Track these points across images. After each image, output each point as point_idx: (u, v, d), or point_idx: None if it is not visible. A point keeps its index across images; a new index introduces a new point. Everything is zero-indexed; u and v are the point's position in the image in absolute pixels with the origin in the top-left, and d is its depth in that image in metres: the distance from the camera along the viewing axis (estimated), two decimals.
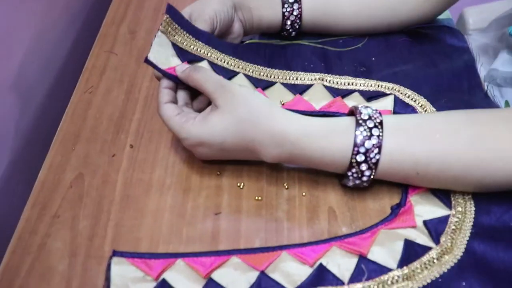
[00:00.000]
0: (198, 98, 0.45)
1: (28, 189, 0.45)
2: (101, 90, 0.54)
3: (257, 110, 0.39)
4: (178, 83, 0.44)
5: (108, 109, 0.52)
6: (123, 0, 0.67)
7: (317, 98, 0.47)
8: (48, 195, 0.44)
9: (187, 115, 0.41)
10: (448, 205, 0.38)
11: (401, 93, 0.47)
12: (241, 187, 0.43)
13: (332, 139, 0.38)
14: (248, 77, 0.48)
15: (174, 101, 0.44)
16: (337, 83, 0.48)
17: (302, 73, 0.49)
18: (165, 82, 0.44)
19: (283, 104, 0.47)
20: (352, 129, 0.38)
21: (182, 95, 0.45)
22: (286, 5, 0.50)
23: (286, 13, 0.50)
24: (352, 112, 0.40)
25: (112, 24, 0.63)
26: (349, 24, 0.52)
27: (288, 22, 0.51)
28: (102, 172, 0.46)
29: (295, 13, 0.50)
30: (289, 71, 0.49)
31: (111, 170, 0.46)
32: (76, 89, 0.54)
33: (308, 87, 0.48)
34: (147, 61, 0.43)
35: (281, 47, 0.53)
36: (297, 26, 0.51)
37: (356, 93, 0.47)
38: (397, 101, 0.46)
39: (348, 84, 0.48)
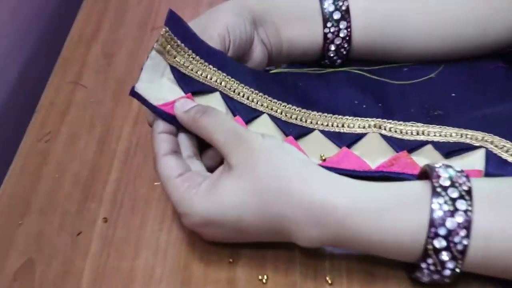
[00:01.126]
0: (207, 152, 0.47)
1: None
2: (62, 138, 0.55)
3: (288, 172, 0.40)
4: (178, 127, 0.46)
5: (73, 165, 0.53)
6: (94, 11, 0.69)
7: (373, 153, 0.48)
8: None
9: (191, 178, 0.42)
10: None
11: (496, 146, 0.47)
12: (264, 281, 0.44)
13: (397, 216, 0.39)
14: (275, 119, 0.49)
15: (177, 149, 0.45)
16: (401, 132, 0.49)
17: (351, 117, 0.50)
18: (161, 124, 0.45)
19: (323, 160, 0.48)
20: (427, 201, 0.38)
21: (185, 141, 0.46)
22: (329, 24, 0.51)
23: (330, 35, 0.52)
24: (426, 175, 0.41)
25: (78, 43, 0.65)
26: (419, 47, 0.53)
27: (332, 47, 0.52)
28: (62, 258, 0.46)
29: (342, 34, 0.51)
30: (331, 115, 0.51)
31: (76, 255, 0.46)
32: (26, 136, 0.56)
33: (359, 137, 0.49)
34: (133, 93, 0.45)
35: (321, 78, 0.54)
36: (345, 52, 0.53)
37: (429, 146, 0.48)
38: (490, 157, 0.47)
39: (417, 133, 0.49)
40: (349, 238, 0.40)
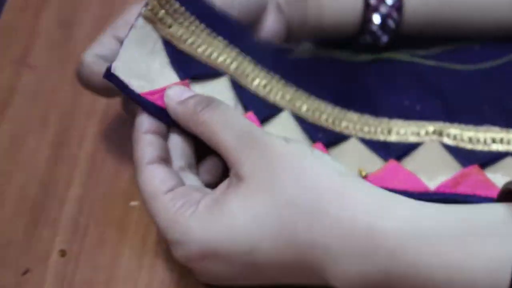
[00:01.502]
0: (203, 163, 0.47)
1: None
2: (2, 139, 0.55)
3: (320, 185, 0.40)
4: (170, 124, 0.45)
5: (17, 177, 0.53)
6: None
7: (431, 169, 0.49)
8: None
9: (186, 194, 0.42)
10: None
11: None
12: None
13: (470, 247, 0.38)
14: (299, 120, 0.50)
15: (166, 156, 0.45)
16: (470, 140, 0.50)
17: (401, 120, 0.51)
18: (146, 121, 0.45)
19: (364, 177, 0.49)
20: None
21: (178, 147, 0.46)
22: None
23: (373, 1, 0.52)
24: (508, 195, 0.41)
25: (23, 8, 0.64)
26: (497, 14, 0.54)
27: (376, 19, 0.53)
28: None
29: (389, 0, 0.52)
30: (374, 117, 0.52)
31: None
32: None
33: (412, 147, 0.50)
34: (109, 76, 0.44)
35: (359, 67, 0.54)
36: (393, 26, 0.53)
37: (510, 159, 0.49)
38: None
39: (493, 141, 0.49)
40: (403, 277, 0.39)
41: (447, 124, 0.50)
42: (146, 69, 0.46)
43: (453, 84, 0.53)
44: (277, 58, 0.52)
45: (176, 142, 0.46)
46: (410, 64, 0.54)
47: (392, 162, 0.49)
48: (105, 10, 0.64)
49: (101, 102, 0.56)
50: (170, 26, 0.47)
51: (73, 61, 0.58)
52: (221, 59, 0.48)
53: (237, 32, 0.49)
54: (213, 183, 0.46)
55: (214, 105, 0.44)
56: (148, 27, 0.46)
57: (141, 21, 0.46)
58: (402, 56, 0.55)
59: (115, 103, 0.55)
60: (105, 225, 0.50)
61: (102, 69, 0.45)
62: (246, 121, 0.43)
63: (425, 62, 0.54)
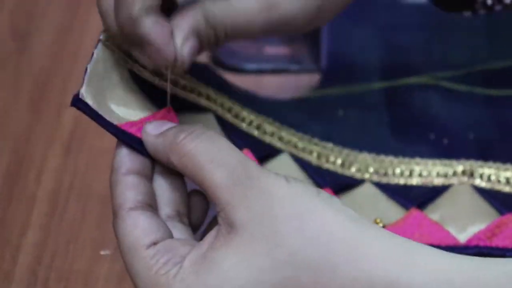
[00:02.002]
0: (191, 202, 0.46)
1: None
2: None
3: (330, 235, 0.38)
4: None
5: None
6: None
7: (461, 217, 0.49)
8: None
9: (171, 250, 0.40)
10: None
11: None
12: None
13: None
14: (302, 163, 0.51)
15: (151, 202, 0.43)
16: (507, 182, 0.50)
17: (424, 160, 0.52)
18: (128, 160, 0.43)
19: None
20: None
21: (166, 190, 0.44)
22: None
23: None
24: None
25: None
26: None
27: None
28: None
29: None
30: (392, 157, 0.52)
31: None
32: None
33: (438, 192, 0.50)
34: (78, 102, 0.42)
35: (370, 99, 0.56)
36: None
37: None
38: None
39: None
40: None
41: (480, 163, 0.50)
42: (119, 96, 0.45)
43: (487, 113, 0.54)
44: (264, 101, 0.53)
45: (163, 185, 0.44)
46: (435, 88, 0.55)
47: (414, 212, 0.49)
48: (67, 18, 0.64)
49: (64, 128, 0.57)
50: (136, 61, 0.46)
51: (30, 80, 0.59)
52: (203, 97, 0.48)
53: (212, 77, 0.50)
54: (199, 224, 0.45)
55: (199, 132, 0.42)
56: (110, 57, 0.45)
57: (100, 50, 0.44)
58: (425, 79, 0.56)
59: (82, 129, 0.55)
60: (68, 279, 0.49)
61: None
62: (240, 154, 0.41)
63: (454, 86, 0.55)
